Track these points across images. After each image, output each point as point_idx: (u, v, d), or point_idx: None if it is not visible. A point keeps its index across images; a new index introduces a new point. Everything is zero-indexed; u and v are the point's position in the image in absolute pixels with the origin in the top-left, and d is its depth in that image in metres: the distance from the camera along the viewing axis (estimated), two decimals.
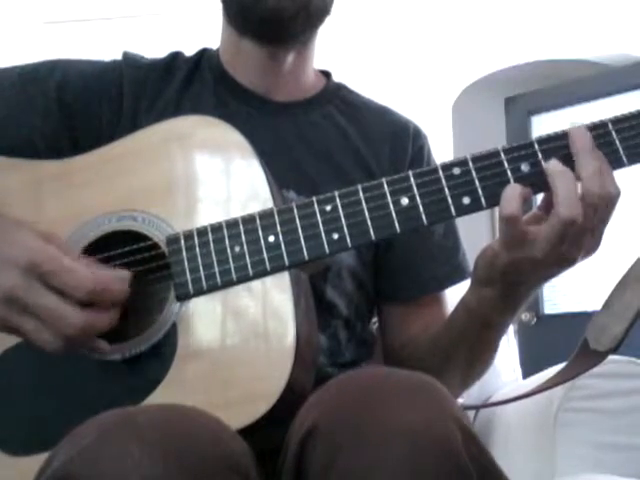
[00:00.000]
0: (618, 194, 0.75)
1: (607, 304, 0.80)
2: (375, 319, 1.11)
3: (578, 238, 0.76)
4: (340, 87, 1.10)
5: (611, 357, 1.16)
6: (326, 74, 1.11)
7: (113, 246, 0.85)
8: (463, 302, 0.89)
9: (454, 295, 1.08)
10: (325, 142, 1.02)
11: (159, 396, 0.78)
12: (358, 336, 1.01)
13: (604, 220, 0.77)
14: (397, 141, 1.06)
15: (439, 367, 0.96)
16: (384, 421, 0.63)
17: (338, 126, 1.04)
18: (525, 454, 1.33)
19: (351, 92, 1.11)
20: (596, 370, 1.14)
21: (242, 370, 0.78)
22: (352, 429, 0.64)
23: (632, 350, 1.18)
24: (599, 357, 0.80)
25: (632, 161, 0.76)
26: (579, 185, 0.75)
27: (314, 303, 0.91)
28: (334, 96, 1.08)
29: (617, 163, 0.76)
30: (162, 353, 0.80)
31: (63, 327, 0.75)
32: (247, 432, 0.73)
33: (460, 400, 1.54)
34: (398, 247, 1.02)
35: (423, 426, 0.63)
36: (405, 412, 0.64)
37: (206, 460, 0.63)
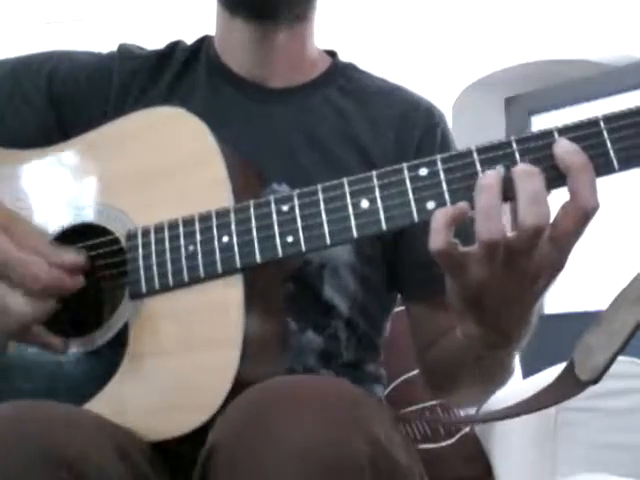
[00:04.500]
0: (545, 225, 0.65)
1: (599, 322, 0.74)
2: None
3: (519, 257, 0.67)
4: (347, 66, 1.05)
5: None
6: (332, 54, 1.06)
7: (78, 239, 0.85)
8: (456, 336, 0.81)
9: None
10: (322, 129, 0.97)
11: (105, 396, 0.78)
12: (361, 335, 0.98)
13: (567, 239, 0.67)
14: (405, 122, 0.99)
15: (451, 381, 0.95)
16: (279, 441, 0.61)
17: (340, 111, 0.99)
18: (525, 454, 1.33)
19: (360, 71, 1.05)
20: None
21: (186, 376, 0.76)
22: (249, 450, 0.62)
23: (632, 350, 1.17)
24: (579, 387, 0.74)
25: (624, 167, 0.67)
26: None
27: (312, 303, 0.89)
28: (339, 76, 1.02)
29: (606, 168, 0.67)
30: (114, 352, 0.79)
31: (14, 317, 0.76)
32: (192, 438, 0.72)
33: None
34: (416, 243, 0.92)
35: (319, 441, 0.60)
36: (302, 427, 0.61)
37: (29, 460, 0.62)
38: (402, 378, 1.44)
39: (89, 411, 0.74)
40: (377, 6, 3.04)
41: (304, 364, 0.92)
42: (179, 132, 0.85)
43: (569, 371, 0.76)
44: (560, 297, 3.07)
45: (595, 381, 0.73)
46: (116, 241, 0.83)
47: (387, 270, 0.99)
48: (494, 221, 0.65)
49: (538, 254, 0.67)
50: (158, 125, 0.86)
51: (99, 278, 0.86)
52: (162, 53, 1.02)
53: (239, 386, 0.72)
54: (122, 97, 0.97)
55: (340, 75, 1.03)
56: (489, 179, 0.67)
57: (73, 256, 0.80)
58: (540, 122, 3.15)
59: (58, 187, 0.88)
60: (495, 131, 3.19)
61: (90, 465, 0.64)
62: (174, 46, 1.03)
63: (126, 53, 1.01)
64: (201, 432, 0.71)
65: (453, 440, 1.50)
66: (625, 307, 0.72)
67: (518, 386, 1.51)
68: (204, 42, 1.04)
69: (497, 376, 0.91)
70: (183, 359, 0.77)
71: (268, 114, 0.97)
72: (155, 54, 1.02)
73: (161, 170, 0.84)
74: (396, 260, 0.99)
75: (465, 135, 3.19)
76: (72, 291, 0.79)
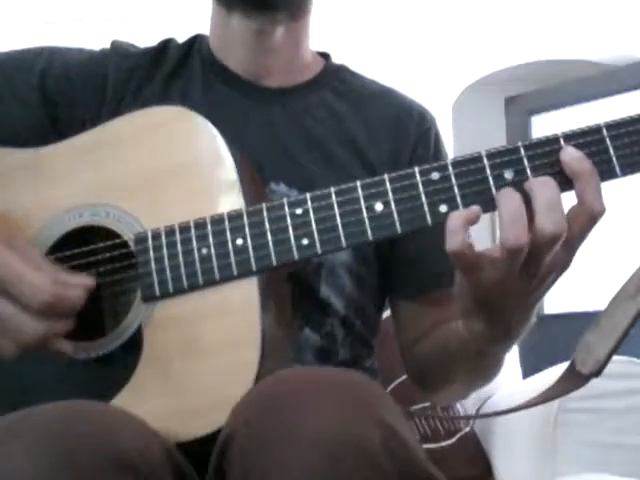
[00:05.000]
0: (562, 231, 0.68)
1: (597, 322, 0.77)
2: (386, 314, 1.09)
3: (533, 262, 0.70)
4: (340, 68, 1.06)
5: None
6: (325, 56, 1.07)
7: (83, 241, 0.84)
8: (457, 331, 0.84)
9: None
10: (320, 130, 0.98)
11: (123, 399, 0.77)
12: (357, 334, 0.99)
13: (574, 242, 0.70)
14: (399, 126, 1.01)
15: (444, 375, 0.95)
16: (295, 428, 0.61)
17: (335, 112, 1.00)
18: (525, 454, 1.33)
19: (352, 74, 1.06)
20: None
21: (205, 377, 0.76)
22: (266, 438, 0.62)
23: (632, 350, 1.18)
24: (581, 380, 0.77)
25: (626, 172, 0.71)
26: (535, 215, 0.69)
27: (310, 301, 0.89)
28: (333, 78, 1.03)
29: (609, 174, 0.71)
30: (128, 355, 0.79)
31: (19, 335, 0.75)
32: (207, 439, 0.72)
33: (459, 406, 1.55)
34: (410, 241, 0.99)
35: (332, 428, 0.61)
36: (315, 414, 0.62)
37: (92, 459, 0.61)
38: (402, 378, 1.44)
39: (130, 412, 0.72)
40: (377, 6, 3.04)
41: (303, 361, 0.92)
42: (185, 132, 0.84)
43: (571, 370, 0.78)
44: (560, 297, 3.07)
45: (597, 373, 0.75)
46: (124, 244, 0.82)
47: (379, 269, 1.01)
48: (520, 227, 0.68)
49: (551, 257, 0.70)
50: (162, 124, 0.85)
51: (100, 284, 0.85)
52: (155, 51, 1.01)
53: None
54: (119, 95, 0.97)
55: (333, 77, 1.04)
56: (508, 190, 0.70)
57: (80, 278, 0.79)
58: (540, 122, 3.15)
59: (59, 188, 0.86)
60: (495, 131, 3.19)
61: (148, 465, 0.65)
62: (166, 44, 1.03)
63: (121, 50, 1.01)
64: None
65: (453, 440, 1.50)
66: (624, 301, 0.74)
67: (518, 386, 1.51)
68: (196, 41, 1.04)
69: (489, 369, 0.93)
70: (201, 361, 0.77)
71: (265, 113, 0.97)
72: (149, 52, 1.01)
73: (167, 171, 0.83)
74: (389, 258, 1.00)
75: (465, 135, 3.20)
76: (76, 310, 0.78)
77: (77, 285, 0.78)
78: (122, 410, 0.70)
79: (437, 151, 1.03)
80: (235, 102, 0.97)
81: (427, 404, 1.45)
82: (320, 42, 1.07)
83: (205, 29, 1.04)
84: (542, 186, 0.69)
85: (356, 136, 0.99)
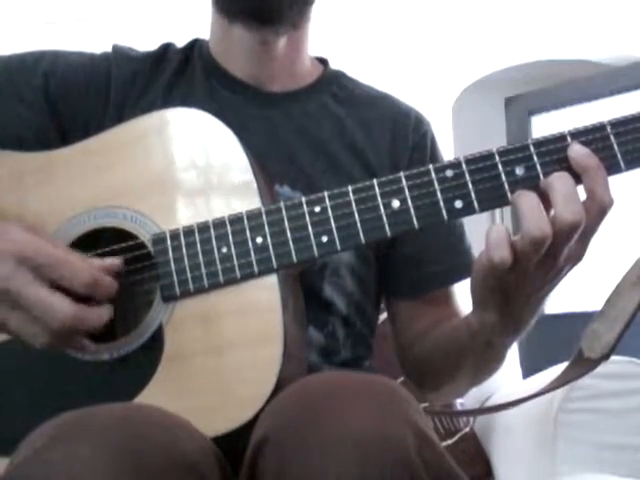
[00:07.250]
0: (581, 221, 0.71)
1: (602, 311, 0.79)
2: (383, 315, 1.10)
3: (552, 253, 0.72)
4: (338, 74, 1.07)
5: (611, 357, 1.17)
6: (323, 61, 1.08)
7: (98, 244, 0.84)
8: (466, 322, 0.86)
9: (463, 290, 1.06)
10: (321, 134, 0.99)
11: (146, 398, 0.77)
12: (357, 334, 1.00)
13: (586, 234, 0.73)
14: (398, 130, 1.03)
15: (448, 371, 0.96)
16: (332, 429, 0.62)
17: (335, 117, 1.01)
18: (525, 454, 1.33)
19: (350, 79, 1.07)
20: (596, 370, 1.14)
21: (229, 374, 0.77)
22: (301, 438, 0.63)
23: (632, 350, 1.18)
24: (592, 365, 0.79)
25: (630, 167, 0.74)
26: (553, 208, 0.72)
27: (313, 300, 0.90)
28: (331, 84, 1.04)
29: (614, 169, 0.74)
30: (149, 354, 0.79)
31: (52, 319, 0.75)
32: (233, 435, 0.73)
33: (460, 400, 1.55)
34: (409, 241, 1.00)
35: (371, 432, 0.61)
36: (353, 418, 0.62)
37: (158, 461, 0.62)
38: (402, 378, 1.44)
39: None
40: (378, 6, 3.05)
41: (308, 360, 0.93)
42: (198, 132, 0.85)
43: (579, 357, 0.80)
44: (560, 297, 3.07)
45: (607, 356, 0.78)
46: (141, 246, 0.82)
47: (378, 269, 1.02)
48: (543, 219, 0.70)
49: (568, 249, 0.72)
50: (174, 125, 0.86)
51: (127, 283, 0.85)
52: (156, 55, 1.02)
53: (278, 382, 0.74)
54: (122, 98, 0.97)
55: (332, 82, 1.05)
56: (523, 190, 0.73)
57: (111, 260, 0.80)
58: (540, 122, 3.15)
59: (72, 191, 0.86)
60: (495, 131, 3.19)
61: (206, 466, 0.66)
62: (166, 48, 1.03)
63: (122, 54, 1.01)
64: (247, 427, 0.72)
65: (453, 440, 1.50)
66: (628, 289, 0.78)
67: (518, 386, 1.51)
68: (195, 45, 1.04)
69: (494, 362, 0.94)
70: (224, 358, 0.77)
71: (267, 117, 0.98)
72: (150, 55, 1.02)
73: (181, 172, 0.84)
74: (388, 259, 1.01)
75: (465, 135, 3.20)
76: (111, 294, 0.78)
77: (109, 268, 0.79)
78: (175, 413, 0.70)
79: (434, 154, 1.04)
80: (238, 106, 0.98)
81: (426, 404, 1.45)
82: (320, 41, 1.07)
83: (206, 28, 1.04)
84: (559, 180, 0.72)
85: (356, 139, 1.00)
